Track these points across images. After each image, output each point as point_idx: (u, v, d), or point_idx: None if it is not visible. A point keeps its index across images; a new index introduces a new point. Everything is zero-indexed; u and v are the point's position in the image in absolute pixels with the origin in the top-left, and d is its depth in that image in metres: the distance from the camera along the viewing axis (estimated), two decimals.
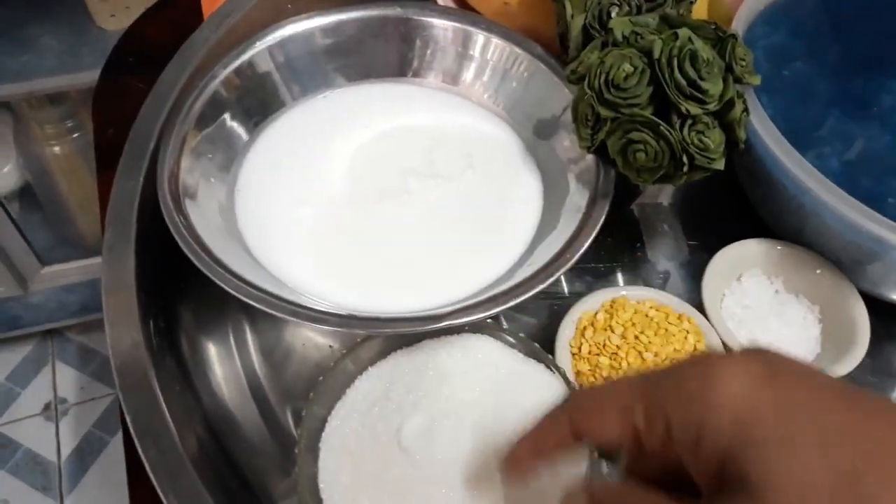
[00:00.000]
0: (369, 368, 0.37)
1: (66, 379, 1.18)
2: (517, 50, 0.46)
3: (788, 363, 0.22)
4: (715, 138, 0.38)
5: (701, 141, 0.38)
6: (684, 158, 0.38)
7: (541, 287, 0.36)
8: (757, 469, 0.19)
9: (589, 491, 0.25)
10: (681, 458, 0.22)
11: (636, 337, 0.40)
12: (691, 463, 0.22)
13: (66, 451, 1.11)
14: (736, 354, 0.22)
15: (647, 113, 0.38)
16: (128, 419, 0.33)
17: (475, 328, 0.38)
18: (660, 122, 0.37)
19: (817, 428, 0.19)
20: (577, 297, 0.42)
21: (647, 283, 0.47)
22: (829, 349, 0.42)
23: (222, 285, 0.34)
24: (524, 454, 0.26)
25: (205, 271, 0.34)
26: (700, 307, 0.42)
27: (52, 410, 1.15)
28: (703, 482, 0.21)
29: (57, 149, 1.06)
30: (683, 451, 0.22)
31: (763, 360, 0.22)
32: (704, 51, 0.38)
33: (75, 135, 1.05)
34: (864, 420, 0.20)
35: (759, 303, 0.43)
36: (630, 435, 0.23)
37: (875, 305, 0.43)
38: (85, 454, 1.11)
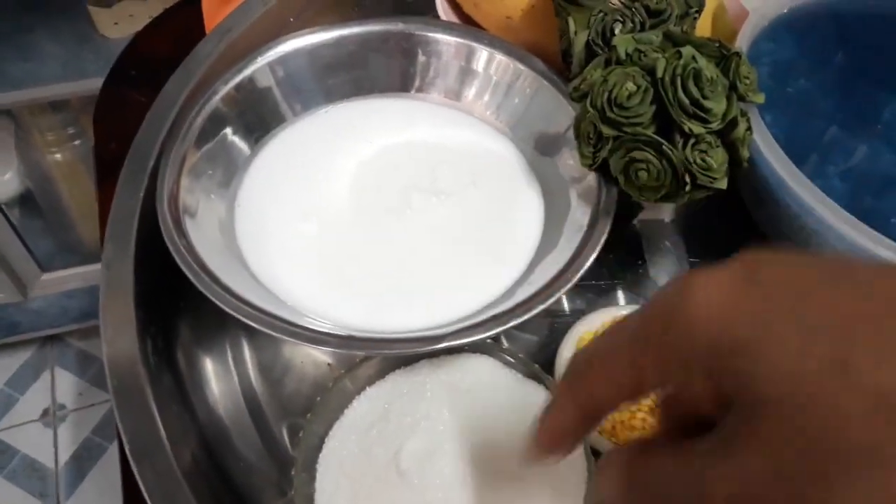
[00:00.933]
0: (368, 388, 0.37)
1: (64, 385, 1.17)
2: (520, 66, 0.46)
3: (773, 256, 0.18)
4: (718, 158, 0.38)
5: (704, 160, 0.37)
6: (687, 178, 0.37)
7: (541, 307, 0.35)
8: (741, 380, 0.17)
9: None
10: (686, 394, 0.19)
11: None
12: (695, 396, 0.18)
13: (63, 457, 1.11)
14: (719, 264, 0.18)
15: (650, 132, 0.37)
16: (124, 441, 0.33)
17: (474, 348, 0.38)
18: (662, 141, 0.37)
19: (797, 317, 0.16)
20: (577, 314, 0.42)
21: None
22: None
23: (222, 306, 0.34)
24: (549, 443, 0.23)
25: (206, 293, 0.34)
26: None
27: (51, 416, 1.14)
28: (711, 411, 0.18)
29: (58, 155, 1.06)
30: (682, 386, 0.19)
31: (743, 260, 0.18)
32: (708, 69, 0.38)
33: (76, 142, 1.05)
34: (851, 295, 0.17)
35: None
36: (640, 391, 0.20)
37: None
38: (83, 460, 1.10)
